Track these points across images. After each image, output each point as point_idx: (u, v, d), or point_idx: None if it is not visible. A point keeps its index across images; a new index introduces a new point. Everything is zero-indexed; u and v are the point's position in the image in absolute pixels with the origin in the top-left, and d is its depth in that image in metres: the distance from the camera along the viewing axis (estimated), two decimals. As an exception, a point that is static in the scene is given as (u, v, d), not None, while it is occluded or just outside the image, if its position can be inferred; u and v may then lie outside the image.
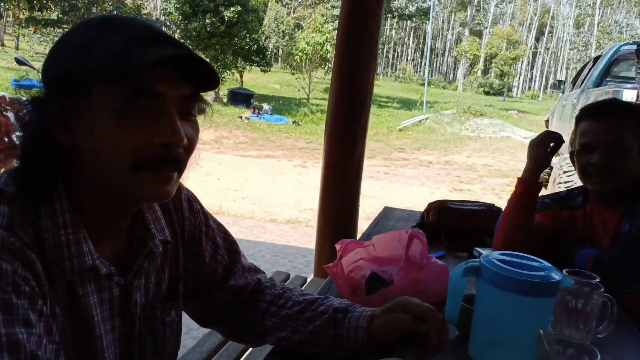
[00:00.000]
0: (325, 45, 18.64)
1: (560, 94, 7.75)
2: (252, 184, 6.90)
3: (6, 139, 2.21)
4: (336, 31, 2.92)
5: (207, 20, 17.72)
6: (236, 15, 17.86)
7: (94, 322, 0.66)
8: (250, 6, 19.12)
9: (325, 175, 2.87)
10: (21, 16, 16.72)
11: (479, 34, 51.97)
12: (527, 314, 0.82)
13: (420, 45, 59.33)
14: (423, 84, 28.60)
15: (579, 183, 1.55)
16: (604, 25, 51.62)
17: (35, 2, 14.39)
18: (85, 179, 0.65)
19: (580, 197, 1.55)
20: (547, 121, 8.31)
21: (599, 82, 5.65)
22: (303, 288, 1.05)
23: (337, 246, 1.12)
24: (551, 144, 1.49)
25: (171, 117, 0.63)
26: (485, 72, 47.06)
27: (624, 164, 1.37)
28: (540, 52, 56.19)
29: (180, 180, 0.69)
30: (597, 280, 1.03)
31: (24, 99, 0.63)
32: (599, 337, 1.02)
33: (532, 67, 57.79)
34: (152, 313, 0.76)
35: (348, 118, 2.73)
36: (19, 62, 6.84)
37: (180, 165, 0.66)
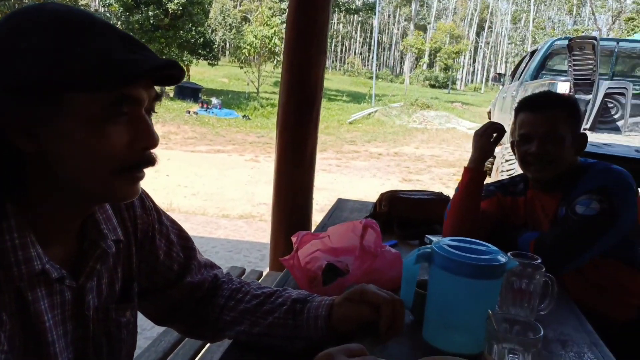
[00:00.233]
0: (274, 38, 18.49)
1: (501, 87, 8.10)
2: (202, 179, 6.76)
3: None
4: (284, 25, 2.91)
5: (150, 12, 17.12)
6: (181, 8, 17.36)
7: (46, 327, 0.63)
8: (195, -2, 18.66)
9: (278, 168, 2.86)
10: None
11: (423, 29, 53.31)
12: (476, 296, 0.87)
13: (368, 40, 60.06)
14: (371, 78, 29.00)
15: (520, 171, 1.64)
16: (539, 21, 54.30)
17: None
18: (49, 184, 0.62)
19: (521, 184, 1.63)
20: (489, 113, 8.68)
21: (536, 75, 5.96)
22: (259, 282, 1.05)
23: (293, 238, 1.12)
24: (494, 134, 1.56)
25: (146, 120, 0.63)
26: (431, 65, 48.37)
27: (560, 152, 1.46)
28: (481, 46, 58.36)
29: None
30: (539, 261, 1.10)
31: None
32: (541, 314, 1.09)
33: (474, 61, 59.95)
34: (106, 315, 0.74)
35: (299, 111, 2.74)
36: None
37: (154, 165, 0.66)
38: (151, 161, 0.65)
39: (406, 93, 26.99)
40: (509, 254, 1.03)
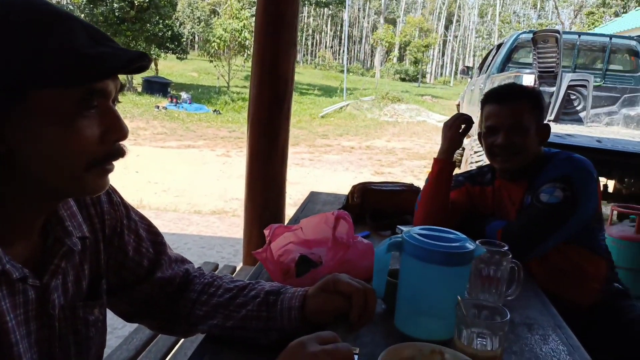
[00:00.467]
0: (244, 32, 18.28)
1: (469, 79, 8.26)
2: (173, 175, 6.66)
3: None
4: (254, 18, 2.89)
5: (115, 5, 16.65)
6: (147, 0, 16.93)
7: (8, 328, 0.61)
8: (162, -10, 18.23)
9: (250, 163, 2.85)
10: None
11: (393, 22, 53.64)
12: (446, 283, 0.89)
13: (338, 33, 60.06)
14: (342, 71, 29.06)
15: (488, 162, 1.68)
16: (505, 15, 55.49)
17: None
18: (15, 183, 0.60)
19: (489, 174, 1.67)
20: (458, 105, 8.83)
21: (502, 68, 6.09)
22: (233, 276, 1.04)
23: (266, 231, 1.12)
24: (462, 126, 1.60)
25: (115, 112, 0.63)
26: (401, 59, 48.81)
27: (525, 143, 1.50)
28: (449, 40, 59.18)
29: None
30: (506, 248, 1.13)
31: None
32: (508, 299, 1.12)
33: (443, 55, 60.78)
34: (73, 313, 0.72)
35: (271, 105, 2.73)
36: None
37: (124, 156, 0.66)
38: (121, 153, 0.65)
39: (377, 86, 27.16)
40: (477, 241, 1.05)
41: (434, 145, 11.22)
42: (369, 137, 12.13)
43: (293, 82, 2.80)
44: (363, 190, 1.77)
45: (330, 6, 41.07)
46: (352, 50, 60.42)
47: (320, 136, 11.72)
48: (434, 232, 0.93)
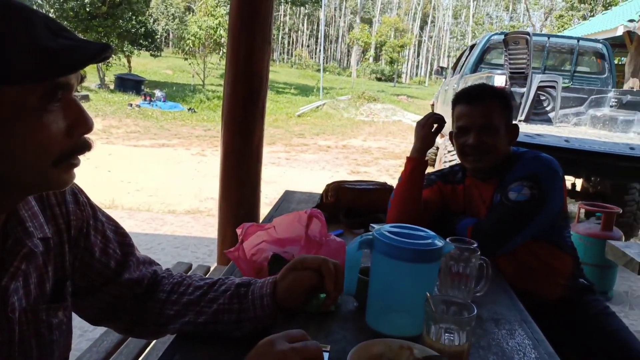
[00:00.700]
0: (219, 29, 18.09)
1: (443, 80, 8.37)
2: (147, 175, 6.55)
3: None
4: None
5: (86, 0, 16.24)
6: (119, -5, 16.60)
7: None
8: (135, -14, 17.88)
9: (225, 161, 2.83)
10: None
11: (369, 22, 53.96)
12: (416, 279, 0.90)
13: (315, 32, 60.09)
14: (319, 70, 29.08)
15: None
16: (478, 17, 56.50)
17: None
18: None
19: (460, 173, 1.70)
20: (432, 105, 8.94)
21: (475, 69, 6.20)
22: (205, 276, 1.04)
23: (238, 230, 1.12)
24: (435, 125, 1.62)
25: (79, 104, 0.62)
26: (377, 59, 49.12)
27: (495, 143, 1.53)
28: (424, 40, 59.88)
29: None
30: (475, 245, 1.15)
31: None
32: (477, 295, 1.15)
33: (419, 55, 61.46)
34: (36, 316, 0.70)
35: (245, 103, 2.71)
36: None
37: (90, 150, 0.65)
38: (87, 146, 0.64)
39: (353, 86, 27.28)
40: (448, 239, 1.07)
41: (409, 144, 11.29)
42: (345, 137, 12.18)
43: (268, 79, 2.79)
44: (337, 189, 1.78)
45: (307, 5, 41.05)
46: (329, 50, 60.53)
47: (297, 135, 11.71)
48: (404, 230, 0.94)
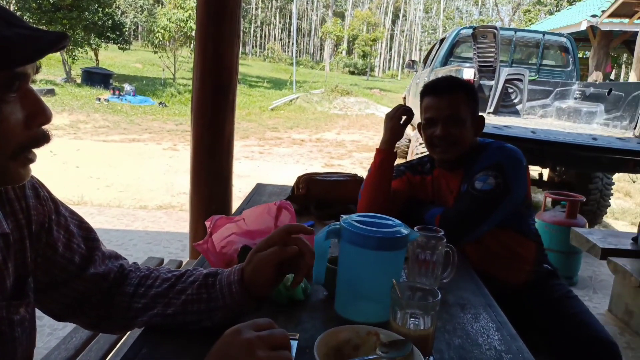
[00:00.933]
0: (189, 22, 17.76)
1: (415, 73, 8.46)
2: (117, 170, 6.41)
3: None
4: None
5: (50, -9, 15.70)
6: (84, -14, 16.10)
7: None
8: (101, -23, 17.39)
9: (195, 156, 2.79)
10: None
11: (341, 16, 53.94)
12: (382, 267, 0.92)
13: (287, 25, 59.69)
14: (292, 64, 28.93)
15: (428, 152, 1.74)
16: (449, 11, 57.20)
17: None
18: None
19: (428, 164, 1.74)
20: (404, 98, 9.03)
21: (445, 62, 6.29)
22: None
23: (207, 223, 1.12)
24: (403, 117, 1.64)
25: (36, 95, 0.61)
26: (349, 52, 49.18)
27: (462, 134, 1.57)
28: (396, 34, 60.29)
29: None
30: (442, 233, 1.18)
31: None
32: (444, 282, 1.18)
33: (391, 49, 61.84)
34: None
35: (215, 97, 2.68)
36: None
37: (49, 142, 0.64)
38: (46, 138, 0.63)
39: (326, 79, 27.26)
40: (415, 228, 1.09)
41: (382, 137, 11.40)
42: (319, 130, 12.19)
43: (237, 73, 2.77)
44: (308, 181, 1.79)
45: (279, -2, 40.69)
46: (302, 43, 60.29)
47: (270, 129, 11.64)
48: (370, 219, 0.96)
